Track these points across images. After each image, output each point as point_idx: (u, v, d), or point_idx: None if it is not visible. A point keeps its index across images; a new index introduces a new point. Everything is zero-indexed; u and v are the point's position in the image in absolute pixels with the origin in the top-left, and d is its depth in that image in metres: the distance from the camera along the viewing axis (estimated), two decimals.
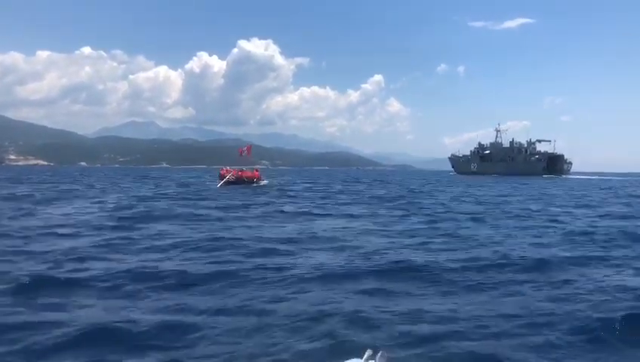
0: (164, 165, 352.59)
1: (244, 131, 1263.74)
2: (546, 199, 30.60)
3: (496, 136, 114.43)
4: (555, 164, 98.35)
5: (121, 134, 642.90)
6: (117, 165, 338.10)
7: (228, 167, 40.16)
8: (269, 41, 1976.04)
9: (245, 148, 42.19)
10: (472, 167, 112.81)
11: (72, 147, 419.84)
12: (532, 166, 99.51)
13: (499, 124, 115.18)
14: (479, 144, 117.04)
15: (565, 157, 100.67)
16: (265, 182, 40.93)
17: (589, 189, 44.32)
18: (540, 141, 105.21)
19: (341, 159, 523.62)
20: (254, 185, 38.25)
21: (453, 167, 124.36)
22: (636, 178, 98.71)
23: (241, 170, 39.41)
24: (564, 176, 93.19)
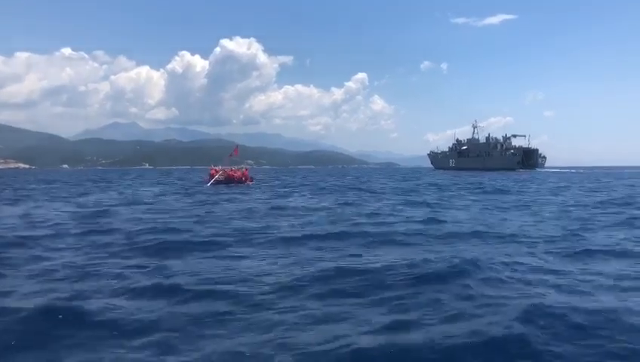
0: (147, 166, 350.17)
1: (227, 131, 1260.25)
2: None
3: (474, 133, 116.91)
4: (529, 158, 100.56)
5: (103, 136, 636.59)
6: (100, 167, 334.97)
7: (218, 167, 40.63)
8: (252, 40, 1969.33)
9: (233, 150, 43.11)
10: (450, 162, 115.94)
11: (53, 150, 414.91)
12: (507, 160, 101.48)
13: (476, 121, 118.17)
14: (457, 140, 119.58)
15: (540, 151, 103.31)
16: (252, 182, 40.96)
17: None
18: (515, 136, 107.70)
19: (326, 158, 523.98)
20: (245, 184, 38.74)
21: (432, 163, 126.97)
22: (606, 171, 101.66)
23: (231, 170, 40.02)
24: (537, 170, 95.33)
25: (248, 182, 39.85)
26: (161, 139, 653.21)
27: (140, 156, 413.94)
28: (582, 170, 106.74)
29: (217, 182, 37.41)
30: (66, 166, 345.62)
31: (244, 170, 42.18)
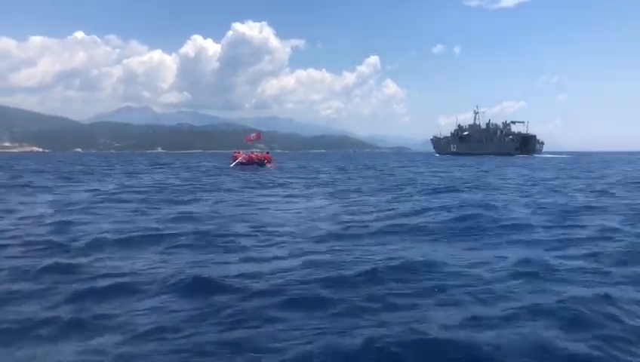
0: (160, 150, 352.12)
1: (239, 115, 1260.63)
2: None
3: (475, 118, 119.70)
4: (527, 144, 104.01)
5: (115, 120, 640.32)
6: (112, 150, 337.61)
7: (241, 151, 44.13)
8: (264, 23, 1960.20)
9: (254, 135, 45.69)
10: (452, 147, 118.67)
11: (67, 133, 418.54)
12: (506, 146, 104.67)
13: (477, 107, 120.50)
14: (458, 126, 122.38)
15: (537, 137, 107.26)
16: (274, 165, 43.09)
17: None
18: (514, 122, 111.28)
19: (337, 142, 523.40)
20: (265, 166, 40.63)
21: (434, 148, 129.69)
22: (609, 157, 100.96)
23: (252, 153, 43.02)
24: (535, 155, 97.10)
25: (270, 166, 41.55)
26: (173, 123, 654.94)
27: (153, 140, 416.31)
28: (574, 155, 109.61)
29: (240, 164, 40.74)
30: (79, 150, 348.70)
31: (265, 153, 45.04)
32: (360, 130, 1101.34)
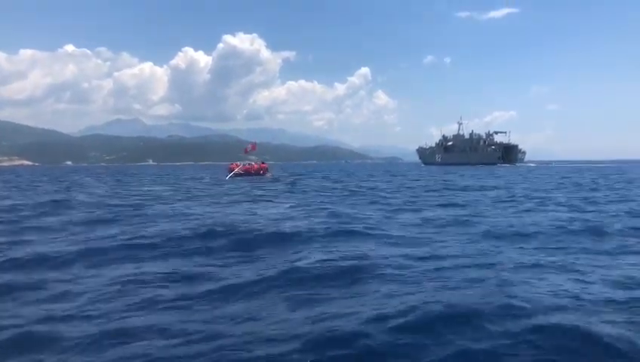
0: (151, 162, 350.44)
1: (231, 126, 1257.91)
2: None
3: (459, 129, 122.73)
4: (509, 153, 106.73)
5: (106, 132, 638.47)
6: (103, 163, 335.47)
7: (237, 163, 45.05)
8: (255, 36, 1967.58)
9: (250, 146, 46.60)
10: (437, 158, 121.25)
11: (57, 146, 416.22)
12: (489, 155, 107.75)
13: (461, 117, 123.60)
14: (443, 136, 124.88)
15: (519, 147, 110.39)
16: (270, 174, 44.52)
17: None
18: (497, 133, 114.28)
19: (329, 153, 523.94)
20: (262, 175, 42.36)
21: (420, 158, 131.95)
22: (592, 165, 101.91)
23: (249, 164, 43.99)
24: (517, 165, 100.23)
25: (267, 175, 43.36)
26: (164, 135, 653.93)
27: (143, 152, 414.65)
28: (555, 165, 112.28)
29: (236, 175, 40.72)
30: (69, 163, 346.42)
31: (260, 163, 45.85)
32: (352, 141, 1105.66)
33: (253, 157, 46.76)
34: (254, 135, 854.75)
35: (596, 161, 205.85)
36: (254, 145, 47.21)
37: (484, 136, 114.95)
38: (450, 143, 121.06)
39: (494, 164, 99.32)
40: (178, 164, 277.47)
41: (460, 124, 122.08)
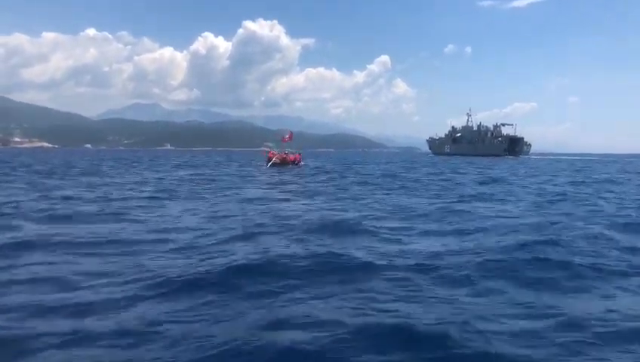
0: (169, 147, 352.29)
1: (249, 113, 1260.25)
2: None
3: (467, 121, 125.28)
4: (515, 145, 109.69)
5: (125, 116, 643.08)
6: (122, 147, 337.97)
7: (273, 151, 45.39)
8: (275, 22, 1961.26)
9: (288, 135, 47.26)
10: (446, 148, 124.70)
11: (76, 129, 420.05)
12: (495, 147, 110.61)
13: (470, 109, 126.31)
14: (452, 127, 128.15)
15: (525, 139, 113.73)
16: (303, 163, 46.35)
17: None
18: (504, 125, 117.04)
19: (346, 141, 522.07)
20: (297, 165, 43.68)
21: (430, 149, 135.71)
22: (596, 158, 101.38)
23: (285, 153, 44.12)
24: (521, 157, 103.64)
25: (301, 164, 45.10)
26: (183, 120, 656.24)
27: (162, 137, 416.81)
28: (564, 158, 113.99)
29: (274, 165, 41.01)
30: (89, 145, 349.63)
31: (296, 154, 46.45)
32: (370, 129, 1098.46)
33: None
34: (272, 122, 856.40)
35: (614, 154, 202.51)
36: (291, 135, 47.94)
37: (492, 128, 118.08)
38: (458, 135, 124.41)
39: (500, 155, 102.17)
40: (195, 149, 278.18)
41: (469, 115, 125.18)
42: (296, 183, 23.40)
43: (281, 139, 47.10)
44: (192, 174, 30.01)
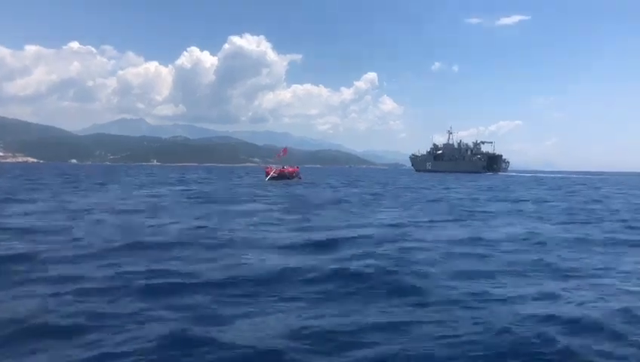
0: (155, 163, 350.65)
1: (235, 128, 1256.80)
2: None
3: (448, 138, 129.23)
4: (493, 163, 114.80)
5: (110, 131, 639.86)
6: (107, 163, 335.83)
7: (271, 166, 49.70)
8: (261, 37, 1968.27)
9: (282, 151, 50.76)
10: (428, 165, 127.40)
11: (61, 144, 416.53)
12: (475, 164, 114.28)
13: (451, 127, 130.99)
14: (434, 145, 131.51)
15: (504, 157, 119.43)
16: (301, 177, 48.45)
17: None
18: (483, 143, 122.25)
19: (333, 158, 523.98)
20: (294, 179, 46.17)
21: (413, 165, 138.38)
22: (586, 176, 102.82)
23: (283, 168, 47.15)
24: (500, 173, 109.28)
25: (298, 178, 46.93)
26: (168, 135, 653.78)
27: (148, 152, 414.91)
28: (543, 175, 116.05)
29: (273, 178, 44.16)
30: (74, 161, 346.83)
31: (295, 167, 49.34)
32: (356, 146, 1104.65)
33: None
34: (258, 137, 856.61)
35: (594, 172, 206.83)
36: (285, 150, 51.10)
37: (472, 146, 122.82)
38: (439, 152, 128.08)
39: (479, 172, 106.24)
40: (181, 165, 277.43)
41: (450, 133, 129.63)
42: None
43: (276, 155, 49.93)
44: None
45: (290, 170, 47.37)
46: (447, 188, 38.92)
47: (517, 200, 25.70)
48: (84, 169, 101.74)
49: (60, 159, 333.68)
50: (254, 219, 14.74)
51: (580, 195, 31.86)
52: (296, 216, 15.75)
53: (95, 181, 41.77)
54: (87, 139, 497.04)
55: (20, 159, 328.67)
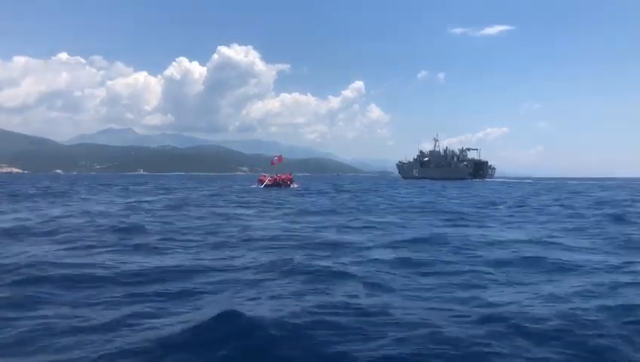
0: (142, 172, 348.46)
1: (223, 137, 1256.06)
2: None
3: (435, 146, 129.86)
4: (479, 169, 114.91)
5: (98, 141, 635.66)
6: (94, 173, 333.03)
7: (265, 174, 49.91)
8: (250, 47, 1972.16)
9: (277, 158, 50.17)
10: (415, 172, 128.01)
11: (47, 154, 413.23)
12: (461, 171, 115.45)
13: (437, 135, 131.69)
14: (420, 152, 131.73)
15: (489, 163, 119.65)
16: (296, 185, 47.84)
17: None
18: (469, 149, 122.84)
19: (322, 166, 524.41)
20: (289, 186, 45.55)
21: (399, 173, 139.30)
22: (557, 182, 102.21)
23: (277, 175, 46.87)
24: (486, 179, 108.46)
25: (293, 185, 46.44)
26: (156, 145, 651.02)
27: (135, 162, 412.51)
28: (530, 181, 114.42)
29: (267, 186, 44.03)
30: (59, 171, 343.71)
31: (288, 174, 48.98)
32: (344, 154, 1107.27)
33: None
34: (247, 146, 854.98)
35: (579, 178, 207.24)
36: (280, 158, 50.78)
37: (458, 153, 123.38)
38: (426, 159, 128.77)
39: (465, 179, 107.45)
40: (168, 174, 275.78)
41: (436, 140, 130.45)
42: None
43: (271, 162, 49.71)
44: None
45: (284, 177, 47.12)
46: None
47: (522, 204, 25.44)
48: (60, 179, 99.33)
49: (46, 169, 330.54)
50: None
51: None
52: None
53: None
54: (73, 149, 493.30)
55: (5, 170, 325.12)
